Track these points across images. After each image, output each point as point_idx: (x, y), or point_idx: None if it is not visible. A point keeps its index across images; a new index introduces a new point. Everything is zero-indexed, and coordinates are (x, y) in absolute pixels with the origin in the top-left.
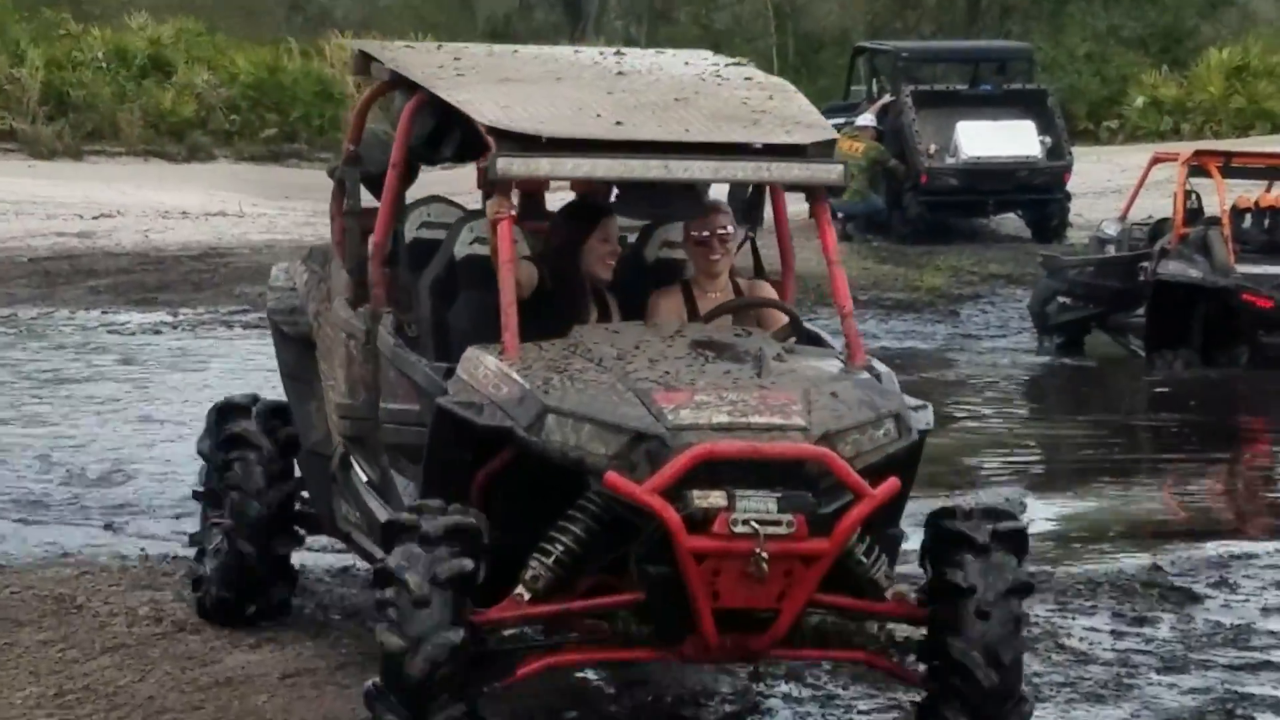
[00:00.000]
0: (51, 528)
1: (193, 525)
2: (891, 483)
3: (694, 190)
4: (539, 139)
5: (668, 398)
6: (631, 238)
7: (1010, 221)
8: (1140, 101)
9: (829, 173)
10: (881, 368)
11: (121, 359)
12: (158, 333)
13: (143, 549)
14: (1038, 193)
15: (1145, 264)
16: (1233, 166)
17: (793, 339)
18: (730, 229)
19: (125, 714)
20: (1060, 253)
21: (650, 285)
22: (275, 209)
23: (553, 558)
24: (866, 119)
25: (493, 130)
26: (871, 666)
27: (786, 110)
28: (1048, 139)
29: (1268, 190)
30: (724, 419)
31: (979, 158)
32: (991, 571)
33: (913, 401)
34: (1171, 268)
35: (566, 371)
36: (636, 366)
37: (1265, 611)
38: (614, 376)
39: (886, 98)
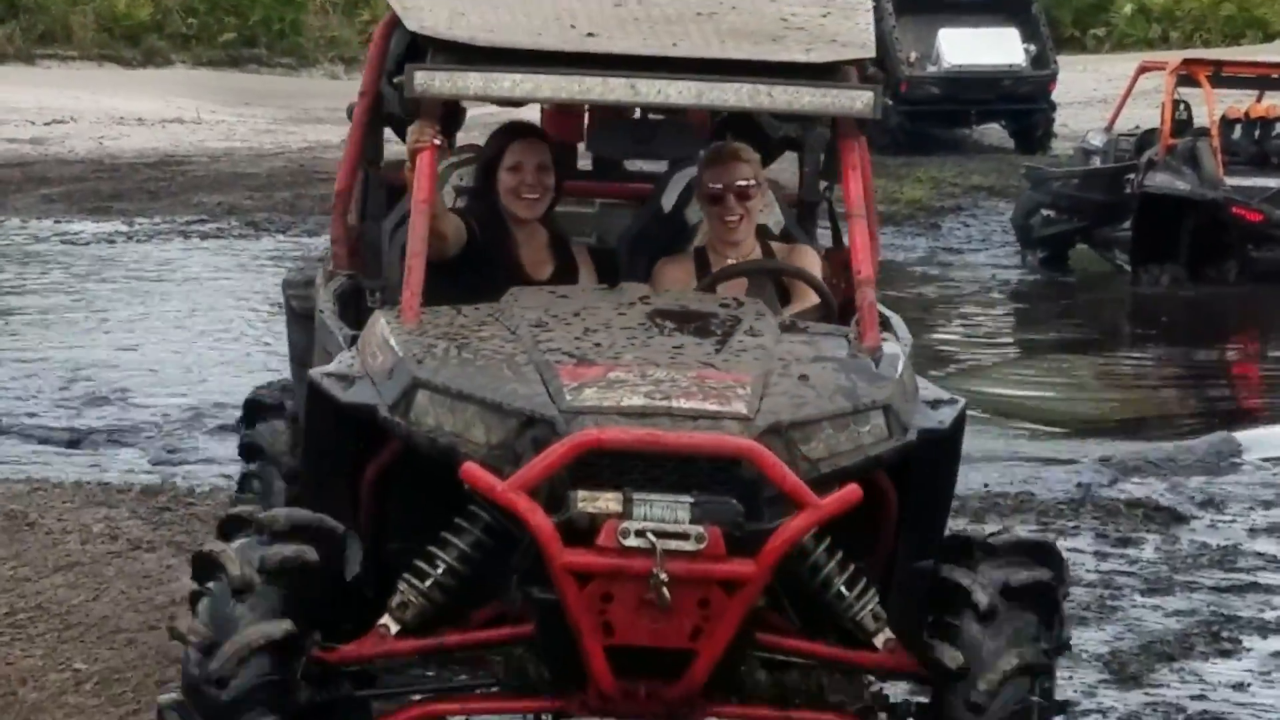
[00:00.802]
0: (2, 444)
1: (156, 448)
2: (848, 491)
3: (688, 124)
4: (482, 50)
5: (575, 373)
6: (666, 201)
7: (993, 132)
8: (1128, 8)
9: (852, 100)
10: (892, 349)
11: (76, 270)
12: (112, 242)
13: (98, 465)
14: (1022, 102)
15: (1132, 176)
16: (1222, 76)
17: (817, 319)
18: (753, 181)
19: (79, 633)
20: (1044, 164)
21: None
22: (234, 115)
23: (429, 580)
24: None
25: (426, 39)
26: None
27: (832, 28)
28: (1032, 47)
29: (1258, 100)
30: (638, 401)
31: (961, 66)
32: (996, 647)
33: (931, 394)
34: (1159, 180)
35: (462, 339)
36: (557, 336)
37: (1252, 532)
38: (521, 346)
39: None
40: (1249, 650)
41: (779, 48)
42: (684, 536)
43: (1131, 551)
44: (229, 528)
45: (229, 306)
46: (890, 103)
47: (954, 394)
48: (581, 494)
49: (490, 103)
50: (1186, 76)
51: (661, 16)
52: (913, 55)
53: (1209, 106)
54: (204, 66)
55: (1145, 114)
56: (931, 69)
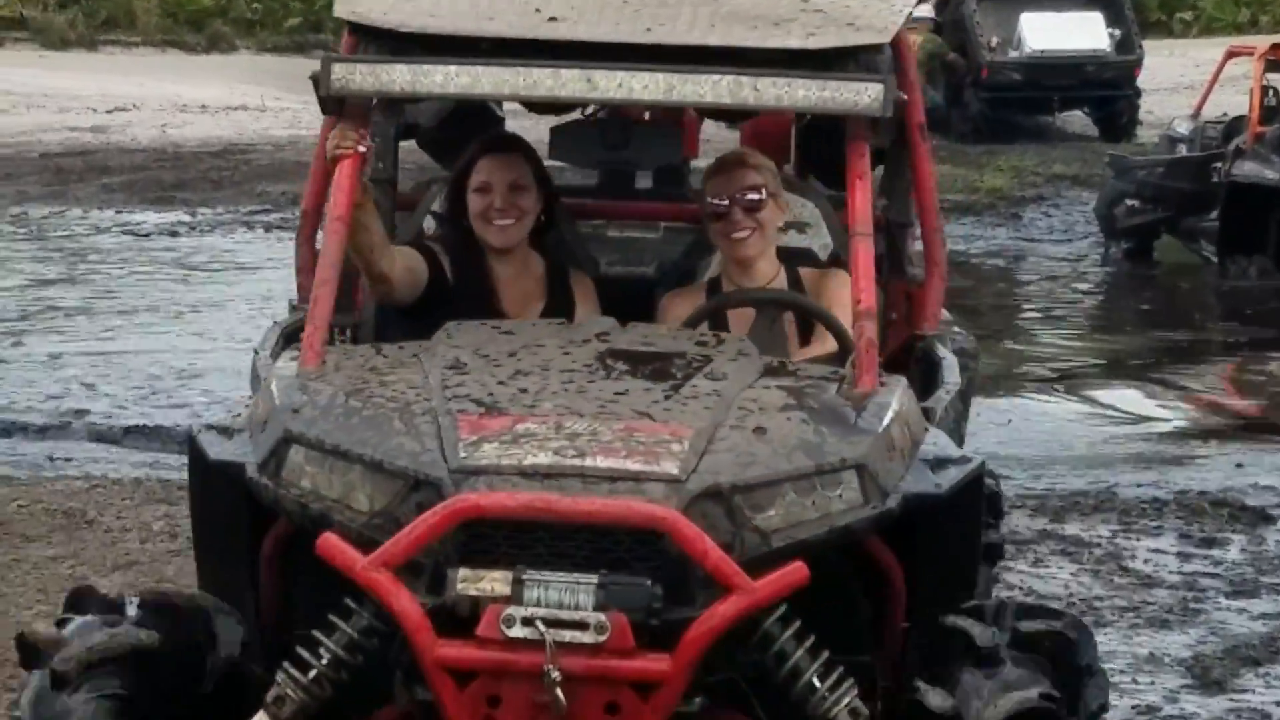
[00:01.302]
0: (62, 440)
1: None
2: (791, 570)
3: (668, 124)
4: (420, 38)
5: (477, 426)
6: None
7: (1077, 119)
8: None
9: (856, 95)
10: (885, 398)
11: (137, 261)
12: (174, 233)
13: (158, 462)
14: (1106, 89)
15: (1219, 165)
16: None
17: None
18: (763, 193)
19: None
20: (1129, 152)
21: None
22: (299, 103)
23: (312, 671)
24: (924, 10)
25: (355, 27)
26: None
27: (856, 10)
28: (1117, 31)
29: None
30: (544, 460)
31: (1044, 51)
32: None
33: (938, 451)
34: (1247, 169)
35: (359, 384)
36: (473, 380)
37: None
38: (425, 393)
39: None
40: None
41: (778, 33)
42: (581, 626)
43: (1216, 552)
44: (75, 603)
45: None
46: (970, 88)
47: (971, 451)
48: (464, 573)
49: (423, 100)
50: (1275, 62)
51: (648, 1)
52: (994, 40)
53: None
54: (268, 53)
55: (1233, 100)
56: (1013, 54)
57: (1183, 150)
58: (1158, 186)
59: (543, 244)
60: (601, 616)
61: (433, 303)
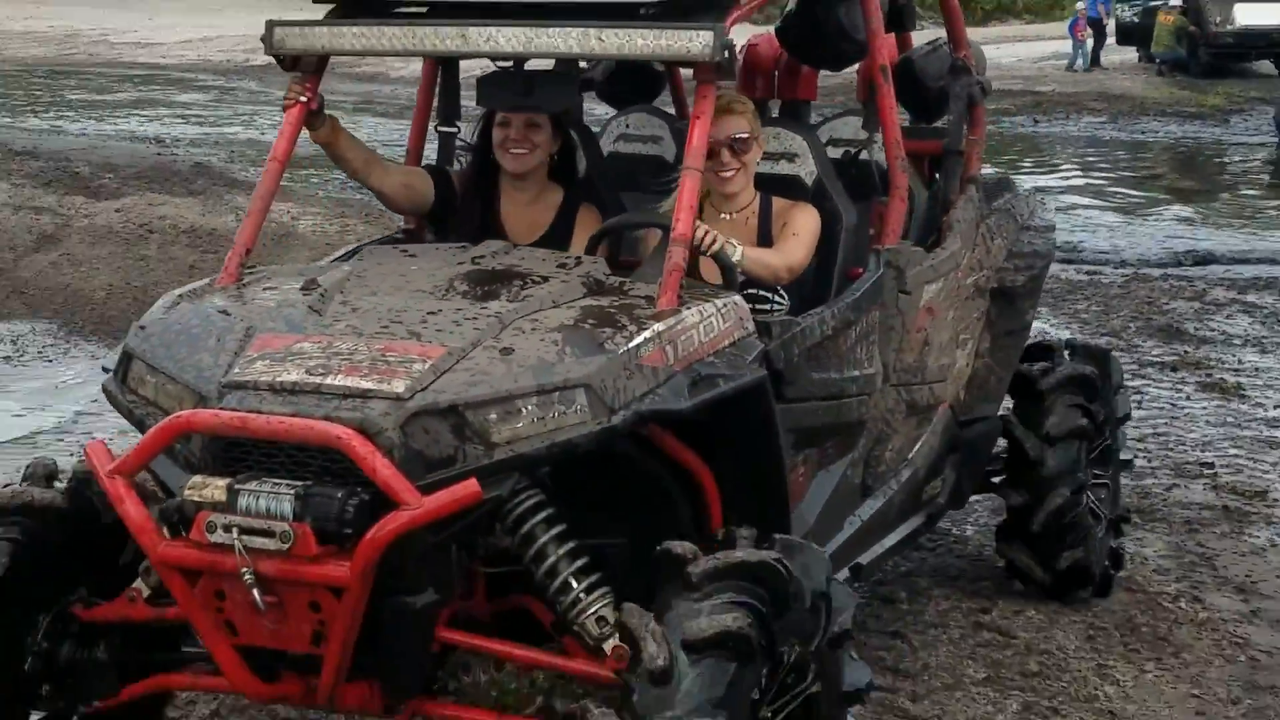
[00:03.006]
0: None
1: None
2: (460, 488)
3: (564, 75)
4: (353, 3)
5: (264, 344)
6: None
7: (1267, 66)
8: None
9: (688, 43)
10: (671, 320)
11: None
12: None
13: None
14: None
15: None
16: None
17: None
18: (748, 133)
19: None
20: None
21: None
22: None
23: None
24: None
25: None
26: None
27: None
28: None
29: None
30: (292, 377)
31: (1249, 25)
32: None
33: (715, 366)
34: None
35: (219, 305)
36: (305, 301)
37: None
38: (261, 313)
39: None
40: None
41: None
42: (268, 534)
43: None
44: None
45: None
46: (1201, 47)
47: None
48: (194, 480)
49: (342, 55)
50: None
51: None
52: (1217, 18)
53: None
54: None
55: None
56: (1229, 27)
57: None
58: None
59: (567, 180)
60: (287, 526)
61: (441, 218)
